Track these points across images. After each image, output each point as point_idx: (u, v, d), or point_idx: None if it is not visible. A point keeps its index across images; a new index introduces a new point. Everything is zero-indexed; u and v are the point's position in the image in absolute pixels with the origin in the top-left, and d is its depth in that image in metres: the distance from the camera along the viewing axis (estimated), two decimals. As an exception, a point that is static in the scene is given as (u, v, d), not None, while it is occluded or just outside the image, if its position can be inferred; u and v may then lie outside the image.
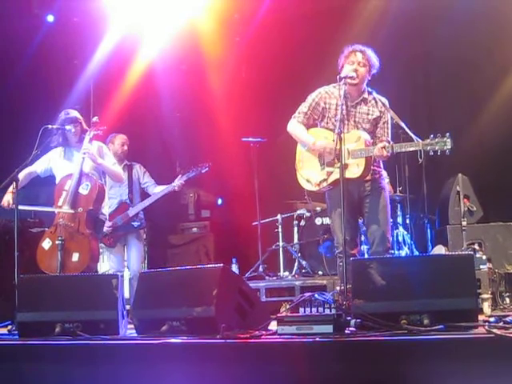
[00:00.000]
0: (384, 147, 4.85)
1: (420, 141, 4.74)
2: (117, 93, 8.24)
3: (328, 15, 7.94)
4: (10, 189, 5.79)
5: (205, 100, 8.47)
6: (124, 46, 8.12)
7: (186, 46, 8.27)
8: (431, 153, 4.69)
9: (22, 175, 5.83)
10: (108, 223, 6.37)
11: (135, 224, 6.67)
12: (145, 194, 6.95)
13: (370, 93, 5.16)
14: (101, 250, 6.33)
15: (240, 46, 8.45)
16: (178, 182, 6.72)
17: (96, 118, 5.99)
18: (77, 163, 5.75)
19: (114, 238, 6.57)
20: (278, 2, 7.98)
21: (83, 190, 5.69)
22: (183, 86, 8.63)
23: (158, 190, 6.85)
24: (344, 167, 4.72)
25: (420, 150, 4.73)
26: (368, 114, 5.12)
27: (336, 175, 4.92)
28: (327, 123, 5.16)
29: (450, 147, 4.65)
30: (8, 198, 5.75)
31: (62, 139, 5.89)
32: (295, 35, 8.04)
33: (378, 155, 4.87)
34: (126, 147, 6.86)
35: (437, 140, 4.67)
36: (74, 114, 5.90)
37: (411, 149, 4.80)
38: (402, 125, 4.95)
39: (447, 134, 4.68)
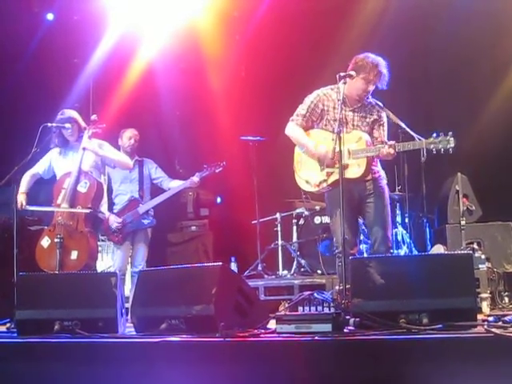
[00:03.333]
0: (392, 145, 4.84)
1: (423, 140, 4.75)
2: (116, 91, 8.23)
3: (328, 13, 7.92)
4: (22, 190, 5.85)
5: (204, 98, 8.45)
6: (123, 45, 8.12)
7: (186, 44, 8.26)
8: (434, 151, 4.69)
9: (25, 179, 5.88)
10: (118, 219, 6.34)
11: (145, 222, 6.55)
12: (155, 191, 6.83)
13: (366, 97, 5.17)
14: (100, 248, 6.32)
15: (240, 45, 8.43)
16: (194, 179, 6.67)
17: (95, 116, 5.99)
18: (75, 162, 5.75)
19: (123, 235, 6.46)
20: (278, 0, 7.97)
21: (82, 188, 5.69)
22: (183, 85, 8.61)
23: (173, 185, 6.76)
24: (345, 167, 4.73)
25: (422, 149, 4.73)
26: (366, 118, 5.13)
27: (336, 176, 4.89)
28: (326, 125, 5.15)
29: (452, 145, 4.66)
30: (21, 199, 5.81)
31: (58, 140, 5.90)
32: (295, 33, 8.02)
33: (386, 154, 4.86)
34: (133, 141, 6.69)
35: (440, 139, 4.68)
36: (69, 113, 5.89)
37: (414, 148, 4.80)
38: (402, 124, 4.95)
39: (450, 132, 4.69)
